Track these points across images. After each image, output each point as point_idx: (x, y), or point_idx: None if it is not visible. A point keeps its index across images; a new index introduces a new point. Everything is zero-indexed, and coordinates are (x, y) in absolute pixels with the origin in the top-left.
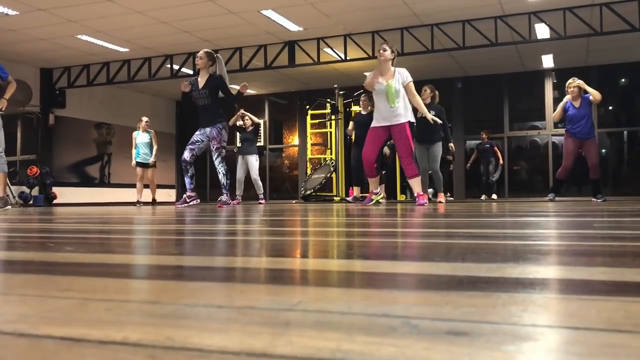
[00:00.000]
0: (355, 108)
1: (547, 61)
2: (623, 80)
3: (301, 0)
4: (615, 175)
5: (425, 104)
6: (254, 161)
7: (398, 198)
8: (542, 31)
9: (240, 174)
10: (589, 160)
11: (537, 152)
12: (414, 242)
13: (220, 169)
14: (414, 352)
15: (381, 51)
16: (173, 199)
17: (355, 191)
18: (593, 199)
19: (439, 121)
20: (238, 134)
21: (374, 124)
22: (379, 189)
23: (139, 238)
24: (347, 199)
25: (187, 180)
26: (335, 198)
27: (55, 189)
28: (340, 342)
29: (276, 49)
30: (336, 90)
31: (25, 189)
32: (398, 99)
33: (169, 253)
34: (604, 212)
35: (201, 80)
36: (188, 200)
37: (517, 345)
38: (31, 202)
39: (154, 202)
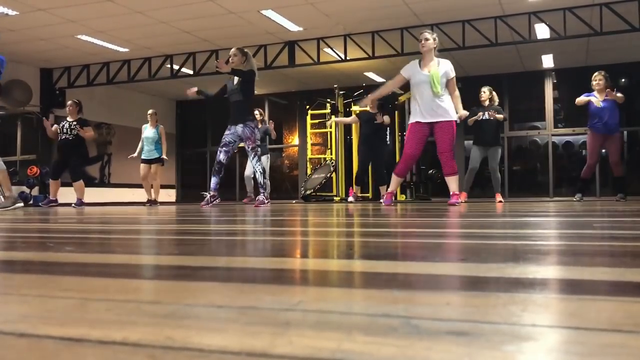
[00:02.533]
0: (355, 108)
1: (547, 61)
2: (623, 80)
3: (301, 0)
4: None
5: (485, 107)
6: (266, 160)
7: (398, 198)
8: (542, 31)
9: (249, 171)
10: (611, 156)
11: (537, 152)
12: (413, 242)
13: (258, 168)
14: (414, 352)
15: (423, 41)
16: (173, 199)
17: (357, 190)
18: (615, 198)
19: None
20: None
21: (415, 119)
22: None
23: (139, 238)
24: (349, 198)
25: (214, 180)
26: (335, 198)
27: None
28: (340, 342)
29: (276, 49)
30: (336, 90)
31: (25, 189)
32: (443, 87)
33: (169, 253)
34: (604, 212)
35: (235, 78)
36: (211, 200)
37: (517, 345)
38: (31, 202)
39: (155, 202)
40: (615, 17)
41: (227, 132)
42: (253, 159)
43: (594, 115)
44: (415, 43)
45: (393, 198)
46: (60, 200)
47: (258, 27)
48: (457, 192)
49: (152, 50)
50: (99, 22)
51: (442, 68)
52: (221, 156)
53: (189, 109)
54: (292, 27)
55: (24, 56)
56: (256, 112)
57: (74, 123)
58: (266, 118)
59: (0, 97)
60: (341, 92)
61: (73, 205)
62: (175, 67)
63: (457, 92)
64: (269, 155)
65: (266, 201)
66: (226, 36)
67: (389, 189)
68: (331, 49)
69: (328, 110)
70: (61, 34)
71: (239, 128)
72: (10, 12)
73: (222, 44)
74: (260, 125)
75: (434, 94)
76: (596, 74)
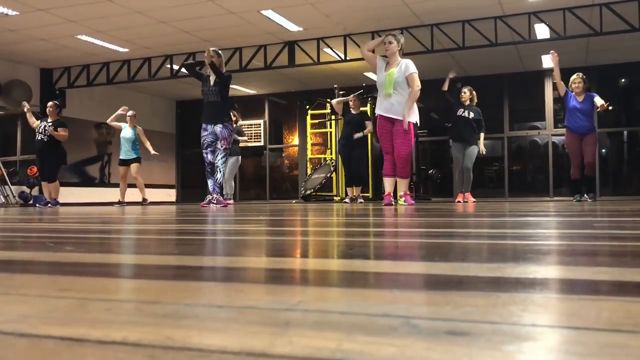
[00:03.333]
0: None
1: (547, 61)
2: (623, 80)
3: (301, 0)
4: (615, 175)
5: (465, 105)
6: (236, 162)
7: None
8: (542, 31)
9: (226, 174)
10: (585, 156)
11: (537, 152)
12: (413, 242)
13: (221, 168)
14: (414, 352)
15: (387, 44)
16: (173, 198)
17: (350, 192)
18: (585, 196)
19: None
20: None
21: (378, 111)
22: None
23: (139, 238)
24: (345, 200)
25: (211, 182)
26: (335, 198)
27: None
28: (340, 342)
29: (276, 49)
30: (336, 91)
31: (25, 188)
32: (395, 89)
33: (169, 253)
34: (604, 212)
35: (212, 77)
36: (214, 202)
37: (517, 345)
38: (31, 202)
39: (144, 202)
40: (615, 17)
41: (203, 132)
42: (221, 158)
43: (571, 115)
44: (415, 43)
45: (392, 198)
46: (60, 200)
47: (258, 27)
48: (408, 192)
49: (152, 50)
50: (99, 22)
51: (400, 68)
52: (209, 157)
53: (189, 109)
54: (292, 27)
55: (24, 56)
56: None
57: (49, 124)
58: (266, 119)
59: (1, 97)
60: (341, 92)
61: (49, 205)
62: (175, 67)
63: (415, 89)
64: (239, 157)
65: (222, 201)
66: (226, 36)
67: (386, 190)
68: (331, 49)
69: (328, 110)
70: (61, 34)
71: (218, 128)
72: (10, 12)
73: (222, 44)
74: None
75: (384, 94)
76: (574, 76)
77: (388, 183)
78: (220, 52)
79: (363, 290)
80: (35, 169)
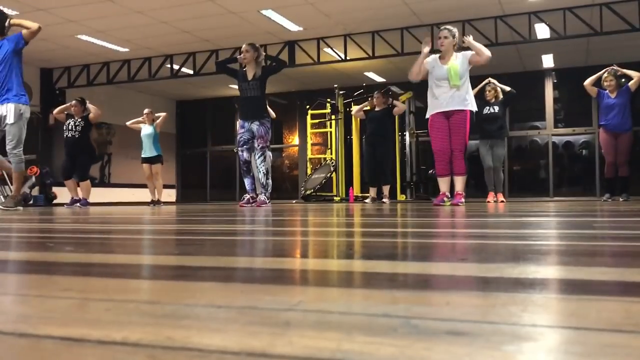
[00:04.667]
0: (355, 108)
1: (547, 61)
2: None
3: (301, 0)
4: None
5: (490, 103)
6: (268, 159)
7: (398, 198)
8: (542, 31)
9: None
10: (618, 156)
11: (537, 152)
12: (413, 242)
13: (262, 168)
14: (414, 352)
15: (442, 39)
16: (173, 198)
17: (372, 192)
18: (619, 198)
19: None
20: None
21: (434, 110)
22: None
23: (139, 238)
24: (365, 201)
25: (248, 181)
26: (335, 198)
27: (55, 189)
28: (340, 342)
29: (276, 49)
30: (336, 90)
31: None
32: (461, 79)
33: (169, 253)
34: (604, 212)
35: (250, 72)
36: (251, 202)
37: (517, 345)
38: (31, 202)
39: (158, 203)
40: (615, 17)
41: (240, 130)
42: (259, 157)
43: (606, 113)
44: (415, 43)
45: (445, 198)
46: (60, 201)
47: (258, 27)
48: (461, 192)
49: (152, 50)
50: (99, 22)
51: (460, 59)
52: (244, 155)
53: (189, 109)
54: (292, 27)
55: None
56: None
57: (79, 120)
58: None
59: None
60: (341, 92)
61: (78, 205)
62: (175, 67)
63: (476, 47)
64: (271, 154)
65: (267, 201)
66: (226, 36)
67: (441, 189)
68: (331, 49)
69: (328, 110)
70: (61, 34)
71: (255, 126)
72: (11, 12)
73: (222, 44)
74: None
75: (451, 87)
76: (605, 74)
77: (443, 183)
78: (257, 45)
79: (363, 290)
80: (35, 169)
